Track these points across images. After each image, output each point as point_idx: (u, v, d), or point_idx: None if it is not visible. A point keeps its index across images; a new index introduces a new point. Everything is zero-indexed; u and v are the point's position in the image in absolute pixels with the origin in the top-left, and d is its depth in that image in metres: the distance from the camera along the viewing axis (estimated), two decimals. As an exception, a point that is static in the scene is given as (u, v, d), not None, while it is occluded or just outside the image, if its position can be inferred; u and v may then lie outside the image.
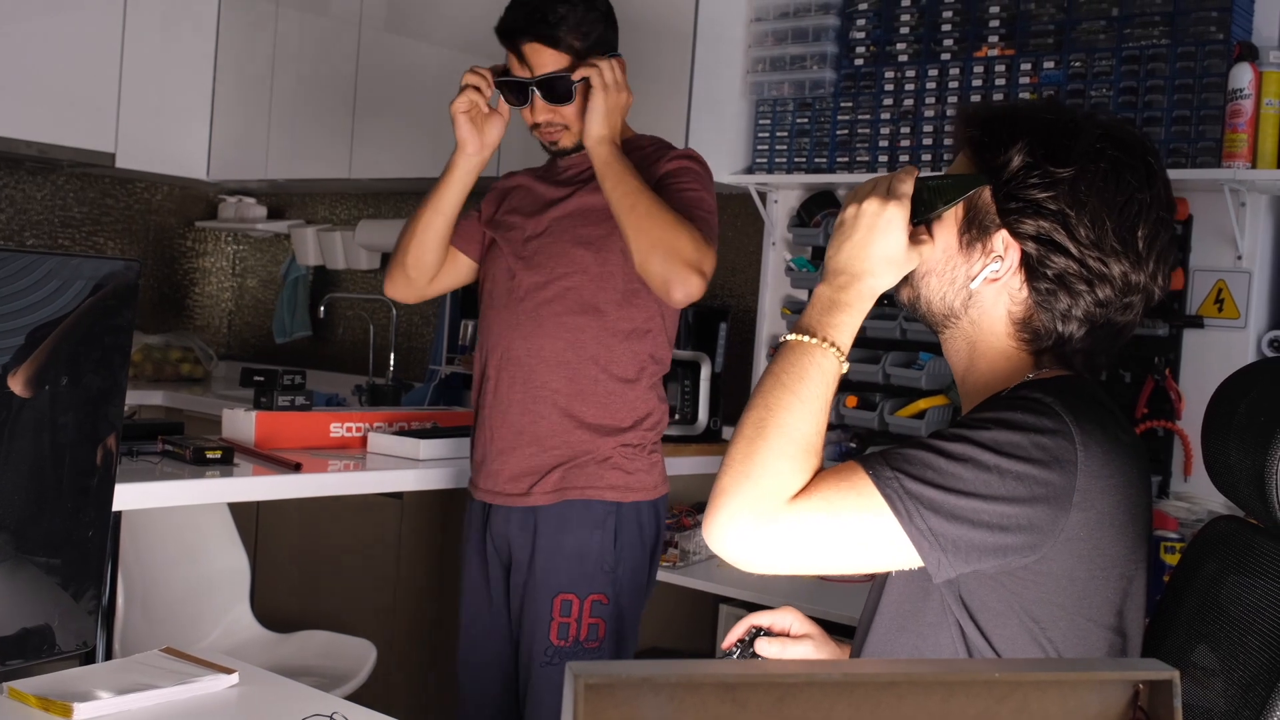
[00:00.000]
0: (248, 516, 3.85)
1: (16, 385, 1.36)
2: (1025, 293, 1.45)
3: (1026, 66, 3.09)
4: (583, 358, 2.48)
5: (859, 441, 3.34)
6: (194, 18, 4.86)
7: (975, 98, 3.15)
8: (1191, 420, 2.89)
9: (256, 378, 3.27)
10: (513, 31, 2.47)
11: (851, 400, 3.31)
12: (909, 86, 3.28)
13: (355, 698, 2.23)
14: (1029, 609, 1.36)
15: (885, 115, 3.32)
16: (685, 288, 2.35)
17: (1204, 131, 2.84)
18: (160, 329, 5.24)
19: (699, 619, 3.18)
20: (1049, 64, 3.06)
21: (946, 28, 3.23)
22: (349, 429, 3.12)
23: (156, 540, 3.11)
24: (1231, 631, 1.37)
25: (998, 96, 3.11)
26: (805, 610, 1.65)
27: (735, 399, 3.55)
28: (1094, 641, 1.39)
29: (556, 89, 2.47)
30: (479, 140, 2.52)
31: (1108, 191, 1.41)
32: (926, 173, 1.50)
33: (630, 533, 2.49)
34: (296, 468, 2.73)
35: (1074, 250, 1.40)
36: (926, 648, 1.42)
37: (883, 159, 3.32)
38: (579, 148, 2.52)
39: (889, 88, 3.32)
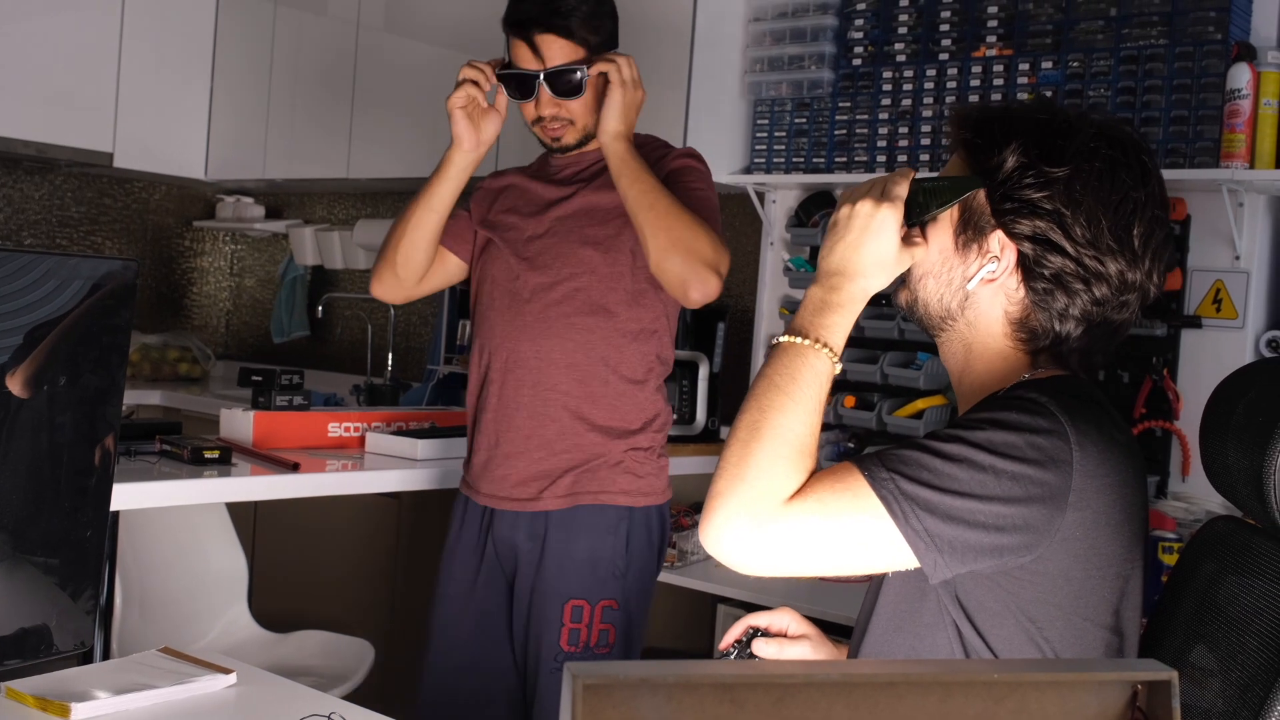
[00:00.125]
0: (245, 516, 3.85)
1: (15, 385, 1.36)
2: (1022, 293, 1.45)
3: (1025, 66, 3.09)
4: (592, 359, 2.44)
5: (857, 442, 3.35)
6: (192, 17, 4.85)
7: (973, 98, 3.15)
8: (1189, 420, 2.89)
9: (254, 377, 3.27)
10: (525, 22, 2.42)
11: (849, 400, 3.31)
12: (907, 86, 3.28)
13: (353, 698, 2.23)
14: (1026, 609, 1.36)
15: (883, 115, 3.32)
16: (703, 288, 2.33)
17: (1202, 131, 2.85)
18: (158, 329, 5.24)
19: (697, 619, 3.18)
20: (1047, 64, 3.06)
21: (944, 28, 3.23)
22: (347, 429, 3.12)
23: (154, 540, 3.11)
24: (1230, 632, 1.37)
25: (996, 97, 3.11)
26: (803, 610, 1.65)
27: (733, 399, 3.55)
28: (1091, 641, 1.39)
29: (566, 82, 2.42)
30: (475, 137, 2.47)
31: (1103, 190, 1.41)
32: (924, 174, 1.50)
33: (640, 537, 2.47)
34: (294, 468, 2.73)
35: (1070, 249, 1.40)
36: (923, 648, 1.42)
37: (881, 159, 3.32)
38: (581, 144, 2.50)
39: (887, 88, 3.32)
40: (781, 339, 1.42)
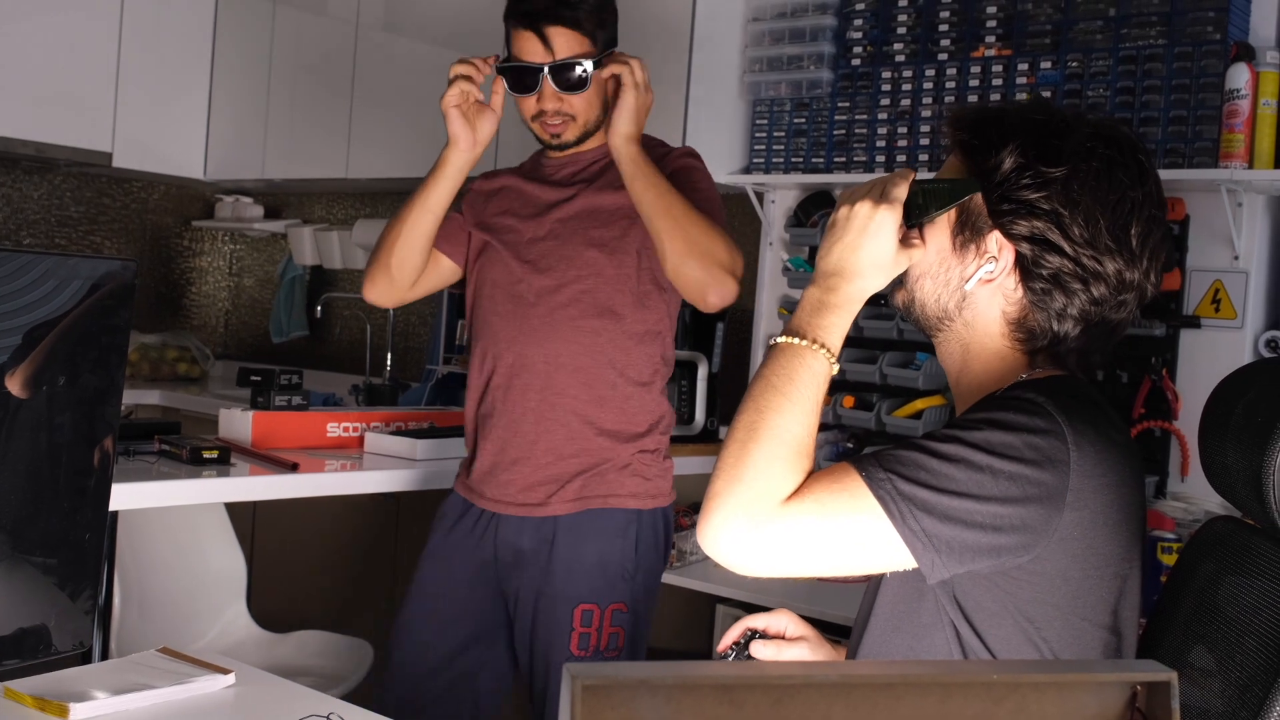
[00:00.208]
0: (244, 516, 3.85)
1: (14, 386, 1.36)
2: (1020, 293, 1.45)
3: (1024, 67, 3.09)
4: (600, 362, 2.42)
5: (856, 442, 3.35)
6: (191, 17, 4.85)
7: (972, 98, 3.15)
8: (1188, 420, 2.89)
9: (253, 377, 3.27)
10: (534, 13, 2.38)
11: (848, 400, 3.31)
12: (906, 86, 3.28)
13: (352, 698, 2.23)
14: (1023, 609, 1.36)
15: (882, 115, 3.32)
16: (721, 292, 2.32)
17: (1201, 132, 2.85)
18: (157, 328, 5.23)
19: (696, 619, 3.18)
20: (1046, 64, 3.06)
21: (943, 28, 3.23)
22: (346, 429, 3.12)
23: (153, 540, 3.11)
24: (1229, 632, 1.37)
25: (995, 97, 3.11)
26: (802, 610, 1.65)
27: (732, 399, 3.55)
28: (1089, 641, 1.39)
29: (571, 75, 2.39)
30: (472, 136, 2.42)
31: (1100, 190, 1.41)
32: (923, 175, 1.50)
33: (648, 540, 2.45)
34: (293, 468, 2.73)
35: (1068, 249, 1.41)
36: (921, 648, 1.42)
37: (880, 159, 3.32)
38: (579, 141, 2.47)
39: (886, 88, 3.32)
40: (779, 339, 1.42)
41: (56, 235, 5.02)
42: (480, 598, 2.50)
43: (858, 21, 3.37)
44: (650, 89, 2.38)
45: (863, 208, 1.43)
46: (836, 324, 1.42)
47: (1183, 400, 2.91)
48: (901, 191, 1.44)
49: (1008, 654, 1.37)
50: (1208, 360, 2.89)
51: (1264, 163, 2.78)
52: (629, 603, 2.43)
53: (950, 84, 3.21)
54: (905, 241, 1.45)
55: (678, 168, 2.44)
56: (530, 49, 2.40)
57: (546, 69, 2.38)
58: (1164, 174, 2.75)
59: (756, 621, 1.61)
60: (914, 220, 1.45)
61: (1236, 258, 2.87)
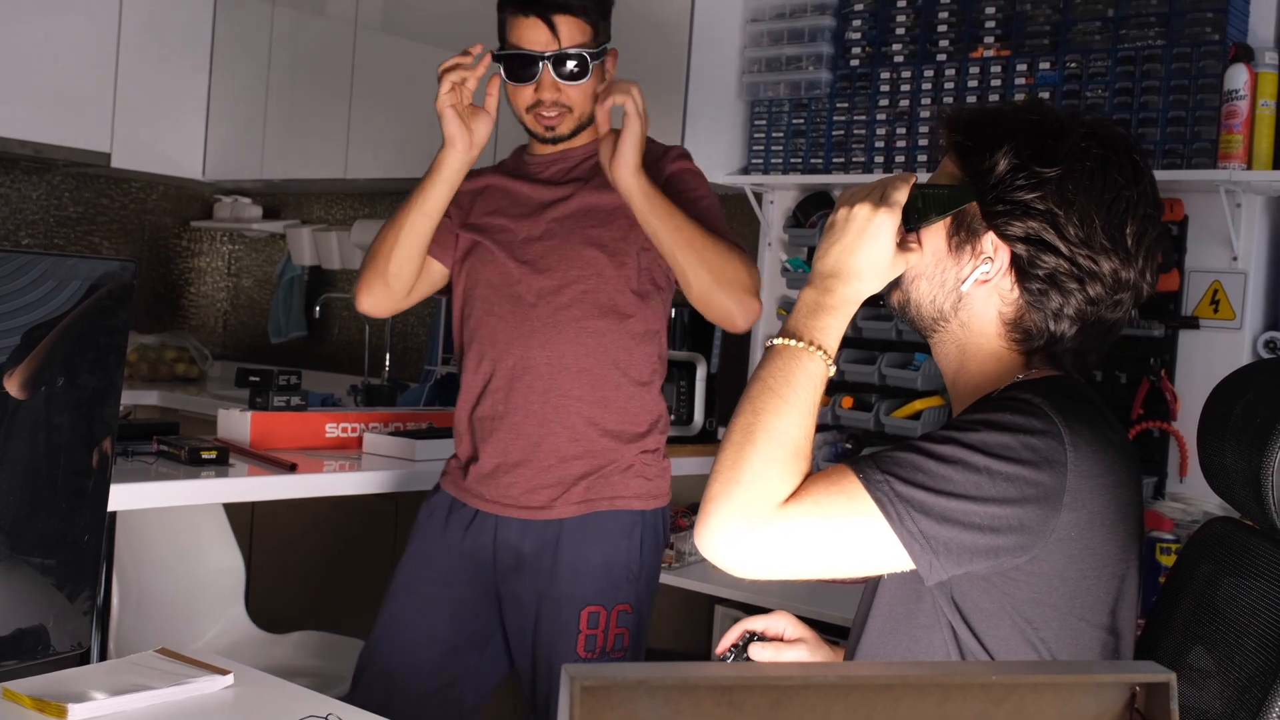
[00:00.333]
0: (243, 517, 3.85)
1: (12, 386, 1.36)
2: (1016, 293, 1.45)
3: (1022, 67, 3.09)
4: (604, 363, 2.40)
5: (855, 442, 3.35)
6: (189, 17, 4.86)
7: (971, 99, 3.15)
8: (1187, 421, 2.89)
9: (252, 378, 3.27)
10: (542, 1, 2.34)
11: (847, 401, 3.31)
12: (905, 87, 3.28)
13: (350, 699, 2.23)
14: (1021, 610, 1.37)
15: (881, 116, 3.32)
16: (749, 316, 2.33)
17: (1199, 133, 2.85)
18: (155, 329, 5.23)
19: (695, 620, 3.18)
20: (1045, 65, 3.06)
21: (942, 28, 3.23)
22: (344, 429, 3.12)
23: (151, 541, 3.10)
24: (1227, 633, 1.37)
25: (994, 98, 3.12)
26: (801, 611, 1.65)
27: (731, 400, 3.54)
28: (1087, 641, 1.39)
29: (573, 64, 2.36)
30: (469, 137, 2.38)
31: (1095, 189, 1.41)
32: (922, 175, 1.50)
33: (651, 541, 2.45)
34: (292, 468, 2.73)
35: (1064, 249, 1.41)
36: (919, 650, 1.42)
37: (879, 160, 3.32)
38: (573, 134, 2.44)
39: (885, 88, 3.32)
40: (775, 341, 1.42)
41: (55, 235, 5.02)
42: (473, 600, 2.48)
43: (856, 22, 3.37)
44: (647, 115, 2.32)
45: (862, 210, 1.43)
46: (833, 326, 1.42)
47: (1181, 401, 2.91)
48: (901, 195, 1.44)
49: (1005, 655, 1.37)
50: (1206, 361, 2.89)
51: (1262, 163, 2.78)
52: (634, 603, 2.42)
53: (949, 85, 3.21)
54: (902, 245, 1.45)
55: (674, 171, 2.42)
56: (532, 37, 2.36)
57: (547, 58, 2.36)
58: (1162, 175, 2.77)
59: (755, 624, 1.61)
60: (912, 224, 1.45)
61: (1235, 259, 2.87)
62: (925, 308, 1.50)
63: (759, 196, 3.61)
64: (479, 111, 2.41)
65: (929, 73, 3.24)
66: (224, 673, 1.65)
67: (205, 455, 2.67)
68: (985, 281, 1.45)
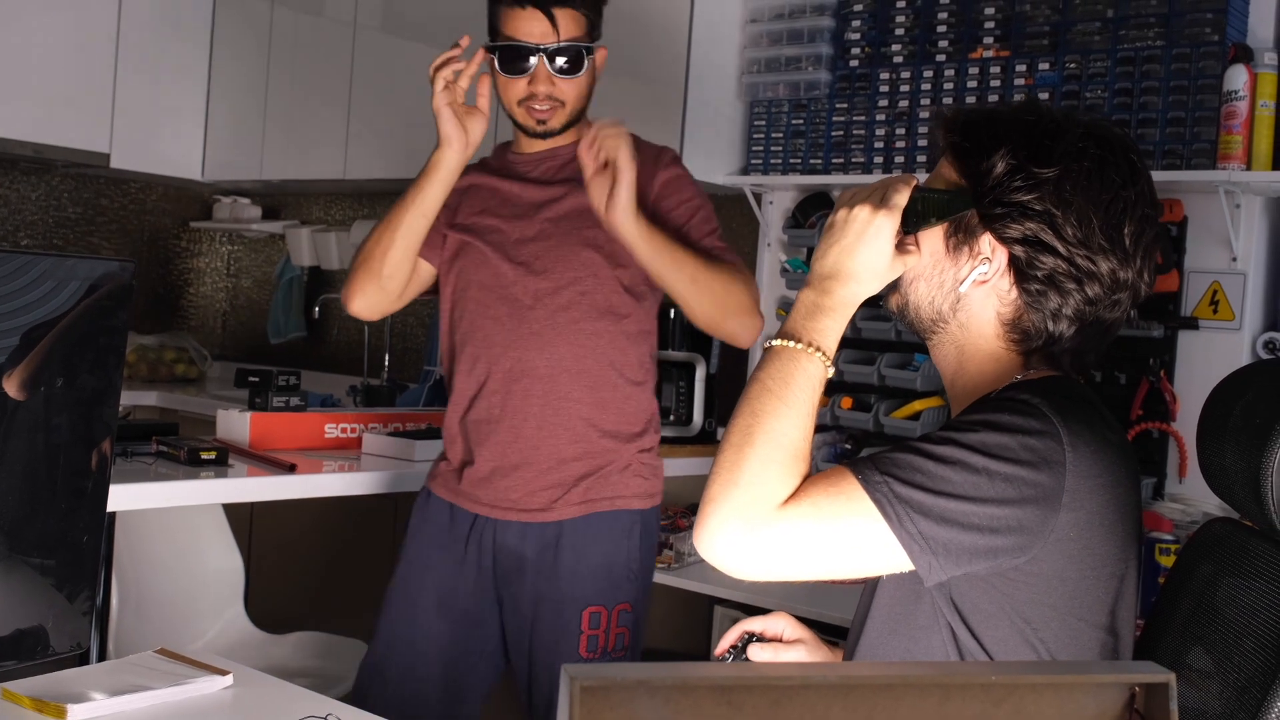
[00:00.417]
0: (242, 517, 3.85)
1: (11, 387, 1.36)
2: (1014, 294, 1.45)
3: (1021, 68, 3.09)
4: (602, 364, 2.39)
5: (854, 443, 3.35)
6: (189, 18, 4.85)
7: (970, 99, 3.15)
8: (1186, 422, 2.89)
9: (251, 378, 3.27)
10: None
11: (847, 401, 3.31)
12: (904, 88, 3.28)
13: (349, 699, 2.23)
14: (1020, 610, 1.37)
15: (880, 116, 3.32)
16: (752, 334, 2.36)
17: (1199, 133, 2.85)
18: (155, 329, 5.23)
19: (694, 620, 3.18)
20: (1044, 65, 3.06)
21: (941, 29, 3.23)
22: (343, 430, 3.12)
23: (151, 541, 3.10)
24: (1227, 634, 1.37)
25: (993, 98, 3.12)
26: (801, 612, 1.65)
27: (730, 400, 3.54)
28: (1086, 641, 1.39)
29: (569, 58, 2.35)
30: (465, 136, 2.37)
31: (1092, 189, 1.41)
32: (922, 176, 1.50)
33: (648, 539, 2.45)
34: (291, 469, 2.73)
35: (1062, 249, 1.41)
36: (918, 650, 1.42)
37: (878, 160, 3.32)
38: (562, 130, 2.42)
39: (884, 89, 3.32)
40: (774, 343, 1.42)
41: (54, 236, 5.02)
42: (475, 605, 2.47)
43: (856, 23, 3.37)
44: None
45: (862, 212, 1.43)
46: (831, 327, 1.42)
47: (1181, 402, 2.91)
48: (902, 198, 1.43)
49: (1004, 655, 1.37)
50: (1206, 362, 2.89)
51: (1262, 164, 2.78)
52: (633, 602, 2.42)
53: (948, 85, 3.21)
54: (900, 247, 1.45)
55: (667, 179, 2.40)
56: (528, 29, 2.35)
57: (544, 50, 2.35)
58: (1162, 175, 2.77)
59: (753, 625, 1.61)
60: (910, 227, 1.45)
61: (1234, 259, 2.87)
62: (923, 309, 1.50)
63: (758, 197, 3.61)
64: (473, 110, 2.40)
65: (928, 73, 3.24)
66: (223, 673, 1.65)
67: (204, 456, 2.68)
68: (983, 283, 1.45)
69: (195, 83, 4.90)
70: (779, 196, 3.60)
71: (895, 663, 1.41)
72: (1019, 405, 1.37)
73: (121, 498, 2.40)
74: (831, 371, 1.41)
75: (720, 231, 2.44)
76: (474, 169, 2.54)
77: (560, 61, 2.36)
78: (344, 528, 3.87)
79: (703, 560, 1.36)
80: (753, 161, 3.55)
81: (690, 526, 3.06)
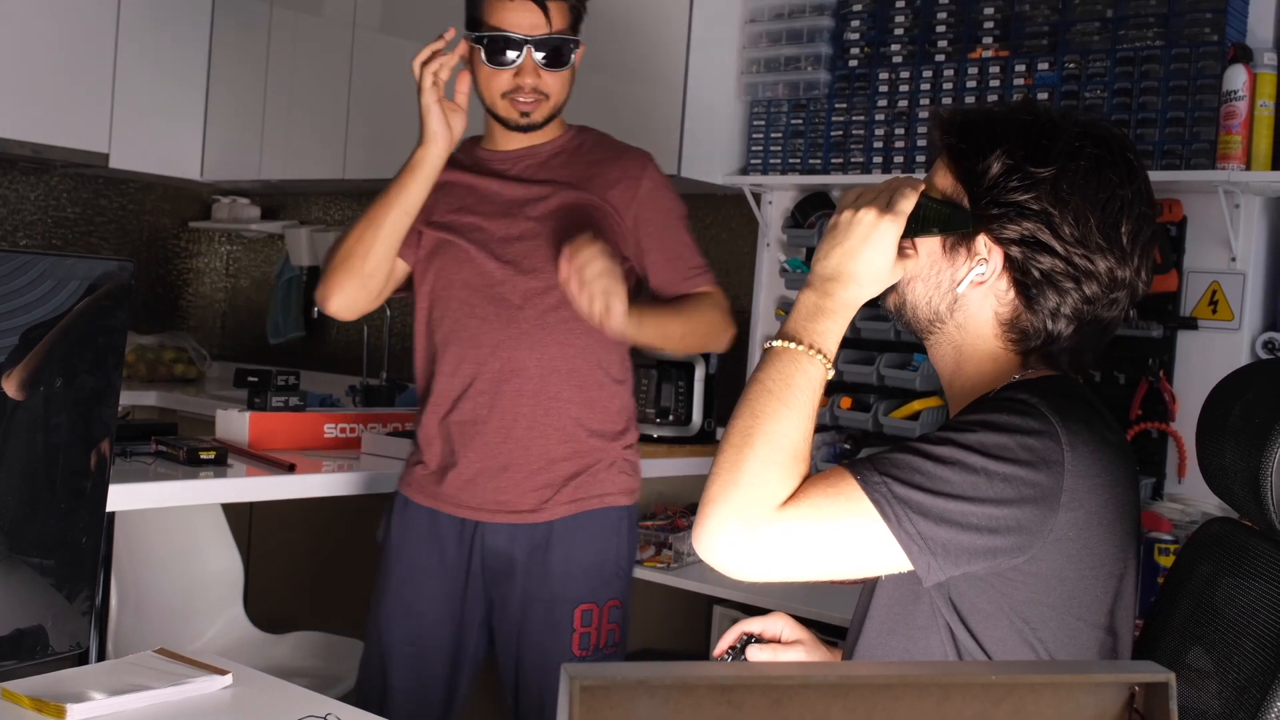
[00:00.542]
0: (241, 517, 3.85)
1: (10, 387, 1.36)
2: (1012, 294, 1.45)
3: (1021, 68, 3.09)
4: (590, 363, 2.39)
5: (853, 443, 3.35)
6: (188, 18, 4.85)
7: (969, 99, 3.15)
8: (1186, 422, 2.89)
9: (250, 378, 3.27)
10: None
11: (846, 401, 3.31)
12: (903, 88, 3.28)
13: (349, 699, 2.23)
14: (1019, 610, 1.37)
15: (880, 116, 3.32)
16: (726, 345, 2.50)
17: (1198, 133, 2.85)
18: (154, 329, 5.23)
19: (692, 620, 3.18)
20: (1043, 66, 3.06)
21: (941, 29, 3.23)
22: (343, 430, 3.12)
23: (150, 541, 3.11)
24: (1226, 634, 1.37)
25: (992, 98, 3.11)
26: (800, 612, 1.65)
27: (729, 400, 3.54)
28: (1085, 641, 1.39)
29: (557, 50, 2.34)
30: (449, 133, 2.37)
31: (1089, 189, 1.41)
32: (921, 177, 1.50)
33: (632, 534, 2.47)
34: (290, 468, 2.73)
35: (1059, 249, 1.41)
36: (917, 650, 1.42)
37: (877, 160, 3.32)
38: (544, 124, 2.40)
39: (883, 89, 3.32)
40: (774, 344, 1.42)
41: (53, 236, 5.02)
42: (465, 610, 2.46)
43: (855, 23, 3.37)
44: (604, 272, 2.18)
45: (867, 215, 1.42)
46: (832, 329, 1.42)
47: (1180, 402, 2.91)
48: (908, 205, 1.43)
49: (1003, 655, 1.37)
50: (1205, 362, 2.89)
51: (1261, 164, 2.78)
52: (621, 598, 2.44)
53: (947, 85, 3.21)
54: (900, 252, 1.45)
55: (648, 187, 2.41)
56: (517, 20, 2.33)
57: (532, 42, 2.33)
58: (1161, 176, 2.77)
59: (752, 625, 1.61)
60: (909, 233, 1.45)
61: (1234, 259, 2.87)
62: (921, 310, 1.50)
63: (757, 197, 3.61)
64: (454, 106, 2.38)
65: (927, 73, 3.24)
66: (222, 673, 1.65)
67: (204, 456, 2.68)
68: (980, 283, 1.45)
69: (194, 83, 4.90)
70: (778, 196, 3.60)
71: (894, 663, 1.41)
72: (1017, 405, 1.37)
73: (121, 498, 2.40)
74: (832, 373, 1.41)
75: (696, 244, 2.47)
76: (449, 166, 2.48)
77: (548, 53, 2.35)
78: (343, 528, 3.86)
79: (702, 560, 1.36)
80: (752, 161, 3.55)
81: (689, 526, 3.06)
